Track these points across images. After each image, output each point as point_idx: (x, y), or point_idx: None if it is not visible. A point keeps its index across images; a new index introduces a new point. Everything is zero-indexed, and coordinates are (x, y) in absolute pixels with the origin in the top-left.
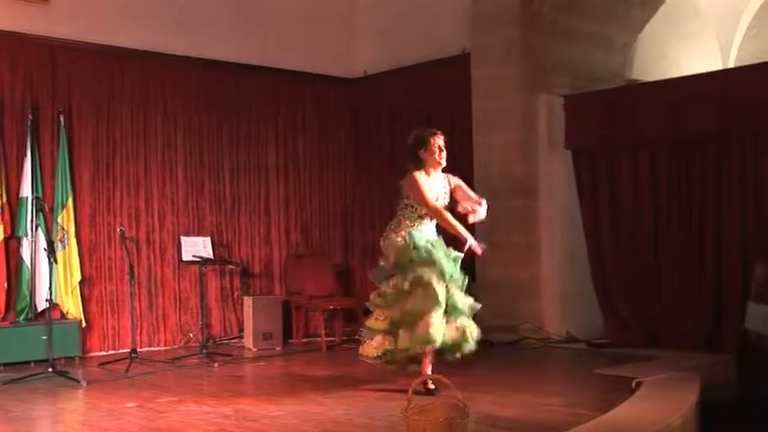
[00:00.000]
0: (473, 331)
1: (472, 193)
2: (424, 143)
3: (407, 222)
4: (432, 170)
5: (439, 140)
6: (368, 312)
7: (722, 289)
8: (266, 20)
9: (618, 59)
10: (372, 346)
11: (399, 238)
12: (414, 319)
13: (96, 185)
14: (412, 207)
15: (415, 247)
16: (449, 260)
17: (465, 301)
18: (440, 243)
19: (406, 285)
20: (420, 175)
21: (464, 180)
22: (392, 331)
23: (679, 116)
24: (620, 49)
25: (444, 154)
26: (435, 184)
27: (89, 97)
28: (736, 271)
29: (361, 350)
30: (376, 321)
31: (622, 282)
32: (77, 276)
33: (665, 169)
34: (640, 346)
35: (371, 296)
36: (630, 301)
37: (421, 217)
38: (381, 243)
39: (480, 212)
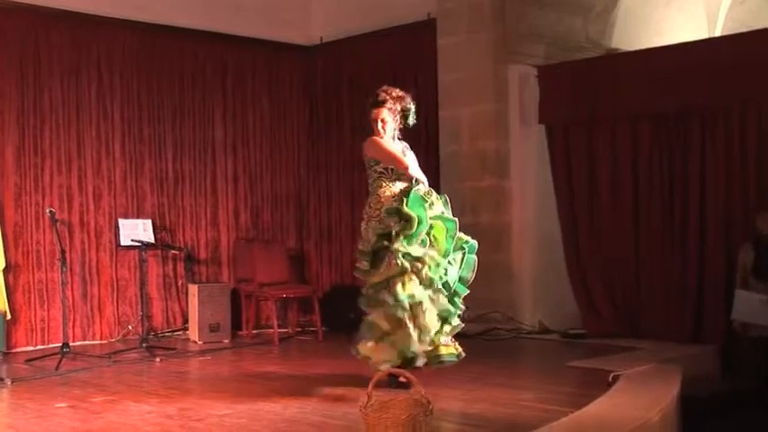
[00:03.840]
0: (450, 352)
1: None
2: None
3: (387, 192)
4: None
5: (382, 113)
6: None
7: (705, 276)
8: None
9: (597, 26)
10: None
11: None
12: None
13: (22, 162)
14: (386, 171)
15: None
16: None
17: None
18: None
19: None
20: (378, 138)
21: (429, 157)
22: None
23: (662, 88)
24: (599, 15)
25: (388, 126)
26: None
27: (12, 63)
28: (721, 256)
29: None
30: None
31: (599, 268)
32: (1, 263)
33: (646, 146)
34: (618, 336)
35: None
36: (608, 289)
37: (399, 178)
38: (362, 227)
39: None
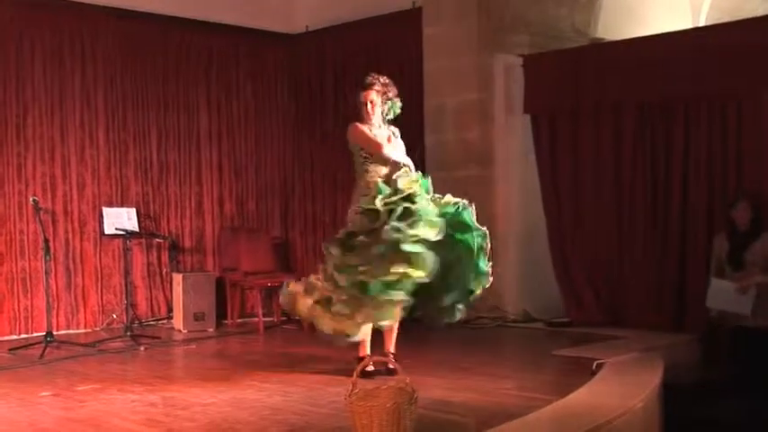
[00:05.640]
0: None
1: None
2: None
3: (374, 177)
4: (370, 124)
5: (371, 95)
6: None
7: (687, 265)
8: None
9: (582, 16)
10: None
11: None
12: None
13: (5, 150)
14: (370, 156)
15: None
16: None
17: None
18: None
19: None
20: (359, 124)
21: (413, 146)
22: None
23: (646, 78)
24: (584, 4)
25: (377, 108)
26: (380, 137)
27: None
28: (703, 246)
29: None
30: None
31: (583, 258)
32: None
33: (630, 136)
34: (601, 325)
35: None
36: (592, 278)
37: (384, 163)
38: (349, 215)
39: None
